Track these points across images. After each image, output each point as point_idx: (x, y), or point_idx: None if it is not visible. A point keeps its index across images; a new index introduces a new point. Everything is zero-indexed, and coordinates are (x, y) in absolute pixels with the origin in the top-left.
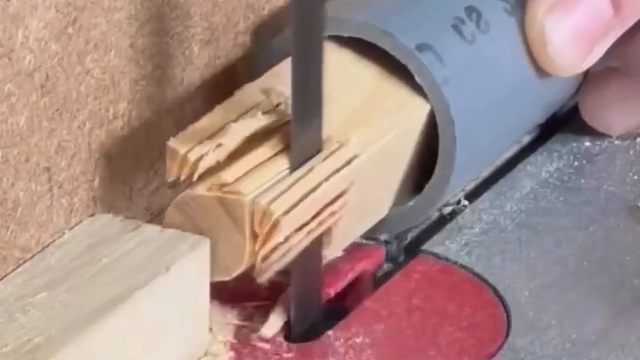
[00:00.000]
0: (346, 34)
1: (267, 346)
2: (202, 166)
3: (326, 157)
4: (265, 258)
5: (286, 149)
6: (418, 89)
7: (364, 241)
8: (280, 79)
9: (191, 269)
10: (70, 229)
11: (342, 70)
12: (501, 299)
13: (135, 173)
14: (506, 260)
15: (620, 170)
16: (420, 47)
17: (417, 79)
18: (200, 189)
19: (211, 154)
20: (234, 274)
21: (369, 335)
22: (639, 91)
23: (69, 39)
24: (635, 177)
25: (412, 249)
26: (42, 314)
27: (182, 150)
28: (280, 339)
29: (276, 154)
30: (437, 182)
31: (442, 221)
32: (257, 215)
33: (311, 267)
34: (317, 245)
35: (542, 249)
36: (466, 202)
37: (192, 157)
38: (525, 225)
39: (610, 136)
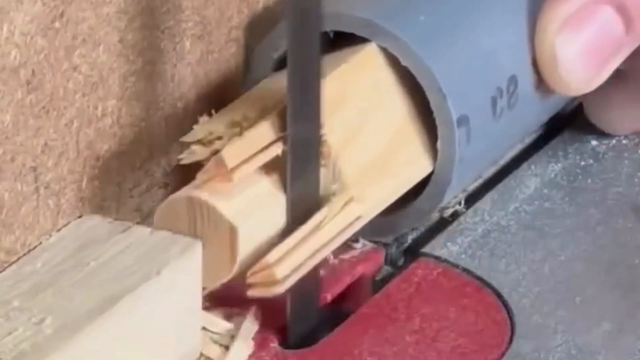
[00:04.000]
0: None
1: (263, 352)
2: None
3: (335, 215)
4: (251, 286)
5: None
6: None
7: (363, 244)
8: None
9: (183, 272)
10: (57, 231)
11: (379, 96)
12: (505, 304)
13: (125, 173)
14: (510, 263)
15: (628, 170)
16: (460, 121)
17: (440, 146)
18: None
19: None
20: (219, 284)
21: (368, 341)
22: None
23: (56, 33)
24: None
25: (412, 252)
26: (28, 320)
27: (230, 165)
28: (276, 345)
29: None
30: (439, 175)
31: (443, 223)
32: (258, 268)
33: (308, 271)
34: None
35: (547, 251)
36: (463, 209)
37: (235, 177)
38: (530, 226)
39: (617, 135)
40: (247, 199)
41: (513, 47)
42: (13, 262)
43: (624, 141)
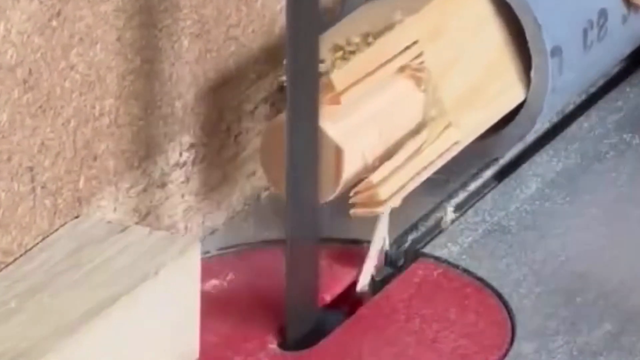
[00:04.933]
0: None
1: (261, 354)
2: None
3: (435, 139)
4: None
5: None
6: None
7: (362, 244)
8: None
9: (181, 273)
10: (54, 231)
11: (476, 27)
12: (505, 305)
13: (123, 172)
14: (511, 264)
15: (630, 170)
16: (553, 52)
17: (533, 77)
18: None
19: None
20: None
21: (367, 343)
22: None
23: (53, 32)
24: None
25: (413, 252)
26: (25, 320)
27: (339, 89)
28: (275, 346)
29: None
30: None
31: (443, 224)
32: (363, 188)
33: (307, 271)
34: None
35: (549, 251)
36: (453, 216)
37: (343, 99)
38: (531, 226)
39: (619, 134)
40: (353, 122)
41: None
42: (10, 263)
43: (627, 140)
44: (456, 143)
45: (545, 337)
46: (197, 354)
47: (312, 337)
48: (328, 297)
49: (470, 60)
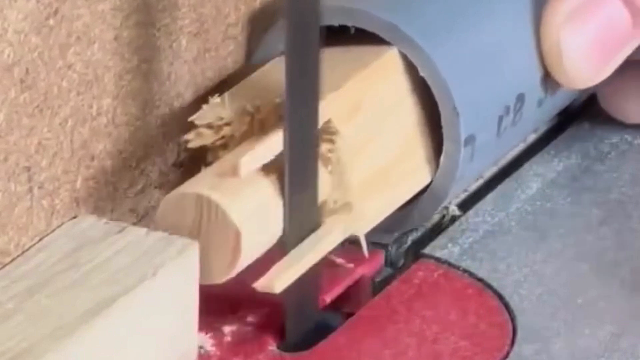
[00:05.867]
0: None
1: (261, 355)
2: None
3: (333, 230)
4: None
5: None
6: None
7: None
8: None
9: (179, 274)
10: (51, 232)
11: (392, 106)
12: (506, 306)
13: (120, 173)
14: (511, 265)
15: (632, 170)
16: (467, 141)
17: (442, 162)
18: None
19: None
20: (214, 283)
21: (367, 344)
22: None
23: (50, 31)
24: None
25: (413, 253)
26: (23, 321)
27: (244, 174)
28: (274, 347)
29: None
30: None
31: (443, 224)
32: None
33: (306, 272)
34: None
35: (550, 252)
36: (457, 212)
37: (242, 174)
38: (532, 227)
39: (621, 134)
40: (254, 201)
41: (523, 60)
42: (7, 264)
43: (629, 140)
44: (357, 231)
45: (547, 339)
46: (195, 355)
47: (311, 338)
48: (328, 298)
49: (383, 141)
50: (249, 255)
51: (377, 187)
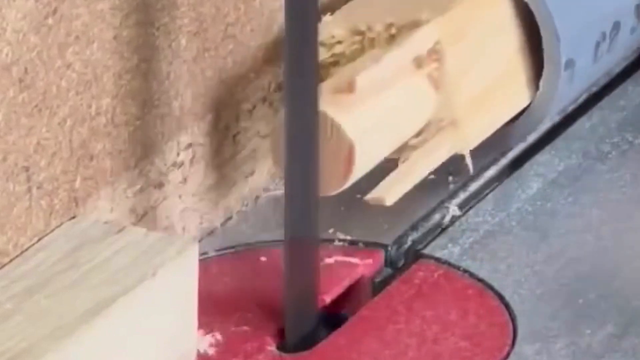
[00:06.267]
0: None
1: (260, 356)
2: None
3: (441, 145)
4: None
5: None
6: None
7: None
8: None
9: (179, 274)
10: (50, 232)
11: (495, 31)
12: (507, 306)
13: (119, 173)
14: (512, 265)
15: (632, 169)
16: (567, 64)
17: (542, 85)
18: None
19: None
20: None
21: (367, 344)
22: None
23: (49, 30)
24: None
25: (413, 253)
26: (23, 321)
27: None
28: (273, 348)
29: None
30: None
31: (444, 224)
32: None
33: (306, 272)
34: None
35: (551, 252)
36: (458, 212)
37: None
38: (533, 227)
39: (622, 133)
40: (367, 116)
41: None
42: (6, 264)
43: (630, 139)
44: (462, 148)
45: (547, 339)
46: (195, 355)
47: (311, 338)
48: (328, 298)
49: (487, 64)
50: (361, 168)
51: (481, 106)
